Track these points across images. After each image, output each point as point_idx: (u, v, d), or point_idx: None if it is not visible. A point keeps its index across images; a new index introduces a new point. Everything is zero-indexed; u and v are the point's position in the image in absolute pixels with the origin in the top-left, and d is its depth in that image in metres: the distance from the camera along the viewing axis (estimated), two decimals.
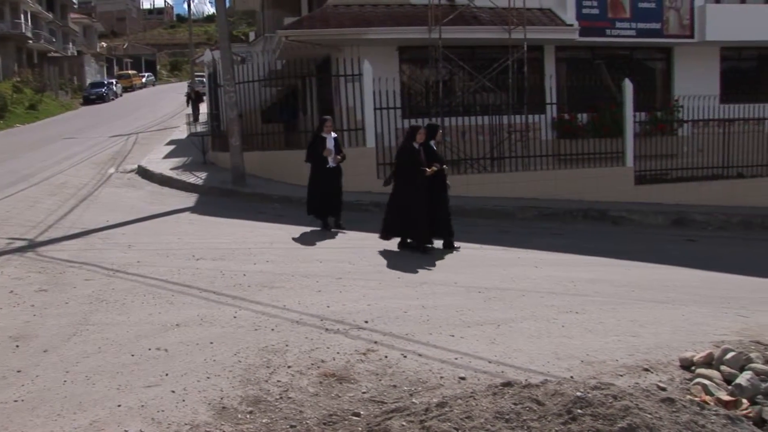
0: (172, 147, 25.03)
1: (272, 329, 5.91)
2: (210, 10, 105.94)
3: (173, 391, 4.60)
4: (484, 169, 16.39)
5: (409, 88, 18.06)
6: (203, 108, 32.71)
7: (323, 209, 11.77)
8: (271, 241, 10.56)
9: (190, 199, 15.13)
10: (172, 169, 18.84)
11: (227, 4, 21.46)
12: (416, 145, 10.02)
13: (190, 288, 7.36)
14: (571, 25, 18.14)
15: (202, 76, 36.56)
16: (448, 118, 16.46)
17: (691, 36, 19.66)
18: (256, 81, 18.02)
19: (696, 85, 19.00)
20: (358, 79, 15.70)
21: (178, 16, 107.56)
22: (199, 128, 28.00)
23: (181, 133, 29.64)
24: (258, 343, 5.54)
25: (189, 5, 72.34)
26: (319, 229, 11.70)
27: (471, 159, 16.31)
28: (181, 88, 52.90)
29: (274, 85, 22.98)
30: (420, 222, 9.87)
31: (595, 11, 18.59)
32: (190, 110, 32.91)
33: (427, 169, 9.92)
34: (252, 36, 35.42)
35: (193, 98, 32.64)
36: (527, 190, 15.49)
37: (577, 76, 18.62)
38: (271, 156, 16.97)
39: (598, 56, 19.68)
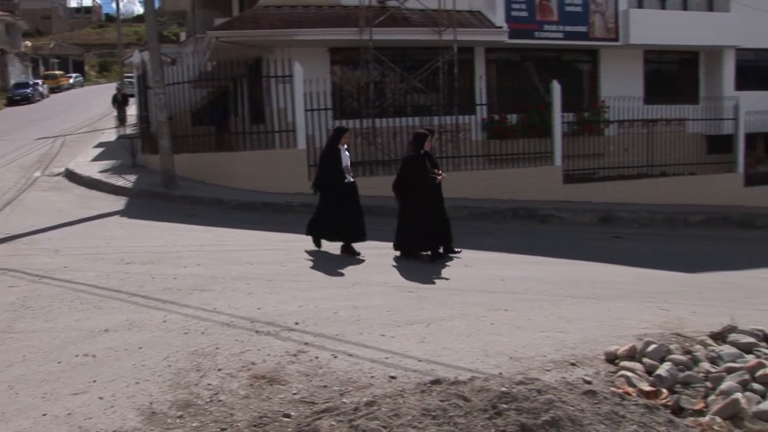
0: (100, 149, 24.55)
1: (202, 332, 5.87)
2: (140, 9, 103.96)
3: (101, 398, 4.54)
4: None
5: (341, 89, 18.08)
6: (131, 110, 32.14)
7: (346, 233, 10.06)
8: (202, 243, 10.46)
9: (119, 202, 14.88)
10: (100, 172, 18.49)
11: (156, 4, 21.13)
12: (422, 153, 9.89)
13: (118, 293, 7.26)
14: (501, 28, 18.39)
15: (132, 77, 35.89)
16: (379, 120, 16.55)
17: (616, 39, 20.16)
18: (186, 82, 17.83)
19: (621, 87, 19.51)
20: (289, 81, 15.66)
21: (107, 15, 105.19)
22: (129, 130, 27.53)
23: (111, 135, 29.11)
24: (188, 347, 5.50)
25: (117, 4, 70.98)
26: (252, 231, 11.61)
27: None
28: (110, 89, 51.89)
29: (205, 87, 22.73)
30: (434, 230, 9.85)
31: (524, 14, 18.89)
32: (116, 113, 32.20)
33: (438, 175, 9.92)
34: (183, 37, 34.93)
35: (120, 100, 31.90)
36: (458, 191, 15.57)
37: (506, 77, 18.90)
38: (202, 158, 16.80)
39: (527, 58, 20.00)
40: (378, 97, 17.46)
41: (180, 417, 4.28)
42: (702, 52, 22.35)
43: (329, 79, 17.28)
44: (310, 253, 9.89)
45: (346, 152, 10.20)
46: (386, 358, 5.38)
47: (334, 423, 3.72)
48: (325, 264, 9.13)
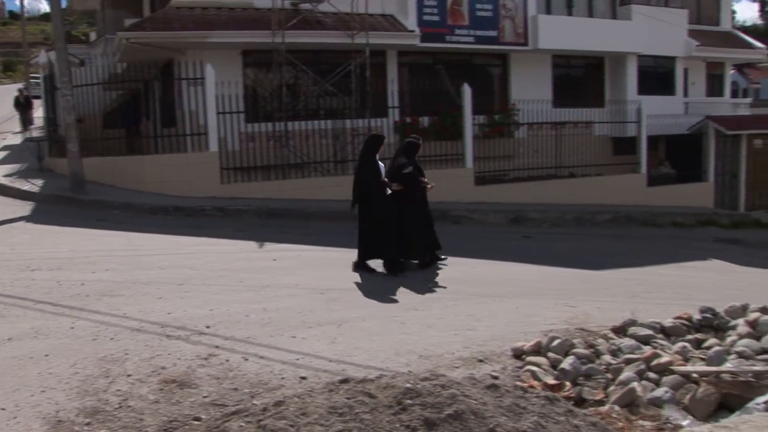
0: (5, 153, 23.75)
1: (111, 338, 5.81)
2: (46, 7, 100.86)
3: (3, 409, 4.45)
4: (328, 172, 16.55)
5: (254, 92, 17.98)
6: (37, 112, 31.11)
7: (389, 250, 9.52)
8: (112, 249, 10.27)
9: (25, 207, 14.43)
10: (5, 176, 17.89)
11: (64, 3, 20.65)
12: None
13: (23, 300, 7.09)
14: (413, 31, 18.58)
15: (38, 78, 34.74)
16: (292, 123, 16.54)
17: (526, 44, 20.59)
18: (96, 84, 17.44)
19: (531, 90, 19.98)
20: (201, 83, 15.49)
21: (11, 12, 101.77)
22: (35, 133, 26.69)
23: (15, 138, 28.18)
24: (96, 353, 5.44)
25: (22, 2, 68.83)
26: (164, 235, 11.47)
27: (315, 162, 16.44)
28: (15, 90, 50.19)
29: (116, 89, 22.26)
30: (423, 238, 9.72)
31: (436, 18, 19.12)
32: (19, 115, 30.99)
33: (428, 184, 9.82)
34: (93, 37, 34.03)
35: (23, 103, 30.68)
36: None
37: (418, 80, 19.08)
38: (113, 162, 16.44)
39: (439, 61, 20.23)
40: (291, 99, 17.43)
41: (88, 424, 4.25)
42: (607, 57, 23.07)
43: (242, 82, 17.15)
44: (221, 256, 9.85)
45: (381, 162, 9.79)
46: (297, 359, 5.44)
47: (243, 424, 3.75)
48: (236, 267, 9.11)
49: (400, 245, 9.49)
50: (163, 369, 5.11)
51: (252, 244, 10.97)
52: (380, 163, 9.71)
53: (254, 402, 4.50)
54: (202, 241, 11.06)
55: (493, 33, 20.02)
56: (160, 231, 11.67)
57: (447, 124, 18.04)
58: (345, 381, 4.08)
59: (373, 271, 9.30)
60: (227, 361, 5.32)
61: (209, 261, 9.52)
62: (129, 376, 4.99)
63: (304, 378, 5.04)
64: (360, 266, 9.34)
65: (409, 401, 3.51)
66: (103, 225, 12.43)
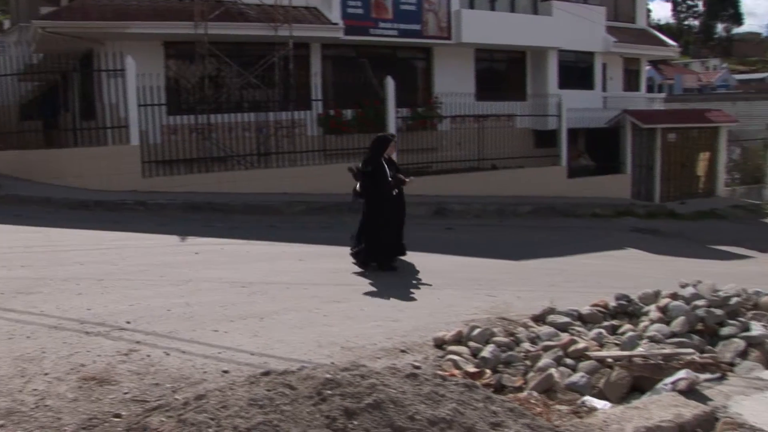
0: None
1: (28, 336, 5.67)
2: None
3: None
4: (252, 165, 16.44)
5: (176, 84, 17.72)
6: None
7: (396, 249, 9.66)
8: (29, 244, 10.00)
9: None
10: None
11: None
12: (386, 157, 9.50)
13: None
14: (336, 24, 18.59)
15: None
16: (215, 115, 16.38)
17: (449, 38, 20.81)
18: (10, 75, 16.95)
19: (454, 84, 20.21)
20: (121, 75, 15.19)
21: None
22: None
23: None
24: (12, 353, 5.29)
25: None
26: (83, 230, 11.23)
27: (238, 156, 16.31)
28: None
29: (32, 80, 21.66)
30: (398, 237, 9.59)
31: (360, 11, 19.16)
32: None
33: (406, 179, 9.62)
34: (7, 24, 32.93)
35: None
36: (295, 186, 15.72)
37: (342, 73, 19.11)
38: (30, 156, 15.98)
39: (362, 54, 20.26)
40: (214, 92, 17.24)
41: (2, 426, 4.15)
42: (528, 52, 23.49)
43: (163, 74, 16.92)
44: (142, 251, 9.70)
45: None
46: (219, 353, 5.42)
47: (164, 419, 3.73)
48: (157, 261, 9.00)
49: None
50: (82, 366, 5.02)
51: (174, 239, 10.84)
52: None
53: (176, 397, 4.47)
54: (124, 236, 10.87)
55: (416, 27, 20.17)
56: (80, 226, 11.42)
57: (370, 116, 18.10)
58: (266, 373, 4.09)
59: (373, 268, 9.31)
60: (148, 356, 5.26)
61: (130, 256, 9.37)
62: (46, 374, 4.88)
63: (226, 372, 5.02)
64: (366, 263, 9.33)
65: (329, 392, 3.55)
66: (19, 220, 12.08)
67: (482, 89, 21.65)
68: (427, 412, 3.59)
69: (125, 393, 4.60)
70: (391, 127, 17.44)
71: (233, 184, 15.23)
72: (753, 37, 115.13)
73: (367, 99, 18.42)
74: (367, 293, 7.78)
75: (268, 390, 3.64)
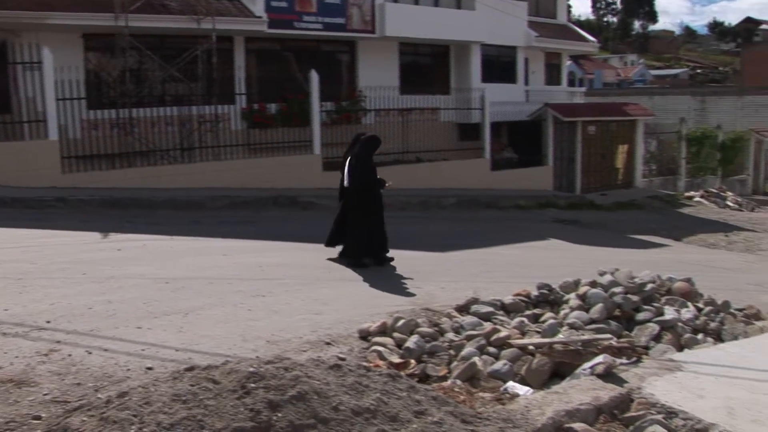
0: None
1: None
2: None
3: None
4: (175, 160, 16.19)
5: (96, 77, 17.30)
6: None
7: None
8: None
9: None
10: None
11: None
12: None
13: None
14: (260, 17, 18.40)
15: None
16: (137, 109, 16.07)
17: (373, 31, 20.83)
18: None
19: (378, 77, 20.22)
20: (38, 68, 14.74)
21: None
22: None
23: None
24: None
25: None
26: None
27: (161, 150, 16.05)
28: None
29: None
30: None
31: (284, 4, 19.00)
32: None
33: (387, 183, 9.88)
34: None
35: None
36: (219, 180, 15.55)
37: (266, 67, 19.00)
38: None
39: (287, 48, 20.18)
40: (136, 86, 16.90)
41: None
42: (452, 46, 23.67)
43: (83, 67, 16.49)
44: (61, 248, 9.48)
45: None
46: (143, 350, 5.36)
47: (85, 419, 3.68)
48: (77, 258, 8.80)
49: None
50: None
51: (96, 235, 10.61)
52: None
53: (98, 396, 4.40)
54: (43, 233, 10.59)
55: (341, 20, 20.13)
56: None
57: (295, 110, 18.03)
58: (190, 369, 4.07)
59: (365, 265, 9.46)
60: (69, 355, 5.16)
61: (50, 254, 9.13)
62: None
63: (150, 368, 4.97)
64: (358, 261, 9.48)
65: (252, 385, 3.55)
66: None
67: (406, 83, 21.77)
68: (351, 402, 3.63)
69: (45, 394, 4.51)
70: (316, 121, 17.40)
71: (156, 179, 14.99)
72: (667, 35, 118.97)
73: (291, 93, 18.35)
74: (291, 287, 7.78)
75: (192, 385, 3.63)
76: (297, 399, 3.49)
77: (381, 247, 9.76)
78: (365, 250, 9.61)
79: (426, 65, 23.91)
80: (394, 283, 8.40)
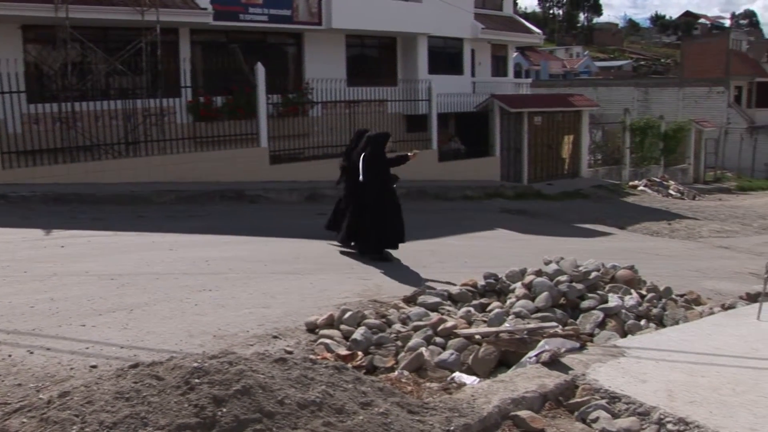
0: None
1: None
2: None
3: None
4: (120, 154, 15.94)
5: (37, 70, 16.94)
6: None
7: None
8: None
9: None
10: None
11: None
12: None
13: None
14: (205, 9, 18.21)
15: None
16: (80, 103, 15.78)
17: (320, 23, 20.78)
18: None
19: (325, 70, 20.20)
20: None
21: None
22: None
23: None
24: None
25: None
26: None
27: (105, 145, 15.77)
28: None
29: None
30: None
31: None
32: None
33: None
34: None
35: None
36: (165, 174, 15.37)
37: (212, 59, 18.80)
38: None
39: (233, 40, 20.02)
40: (78, 79, 16.58)
41: None
42: (399, 38, 23.76)
43: (22, 59, 16.14)
44: (9, 248, 9.29)
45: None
46: (87, 348, 5.28)
47: (25, 420, 3.61)
48: (21, 257, 8.63)
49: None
50: None
51: (38, 232, 10.40)
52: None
53: (40, 396, 4.31)
54: None
55: (287, 12, 20.05)
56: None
57: (241, 103, 17.90)
58: (135, 366, 4.02)
59: (388, 259, 9.78)
60: (10, 356, 5.06)
61: None
62: None
63: (94, 367, 4.90)
64: (381, 254, 9.82)
65: (197, 380, 3.53)
66: None
67: (353, 75, 21.78)
68: (297, 395, 3.62)
69: None
70: (262, 114, 17.28)
71: (101, 174, 14.73)
72: (611, 27, 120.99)
73: (237, 85, 18.19)
74: (238, 281, 7.73)
75: (135, 382, 3.59)
76: (242, 393, 3.47)
77: (399, 238, 10.04)
78: (385, 243, 9.91)
79: (373, 57, 23.93)
80: (342, 276, 8.40)
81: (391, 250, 9.97)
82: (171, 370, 3.68)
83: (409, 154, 10.43)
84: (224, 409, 3.39)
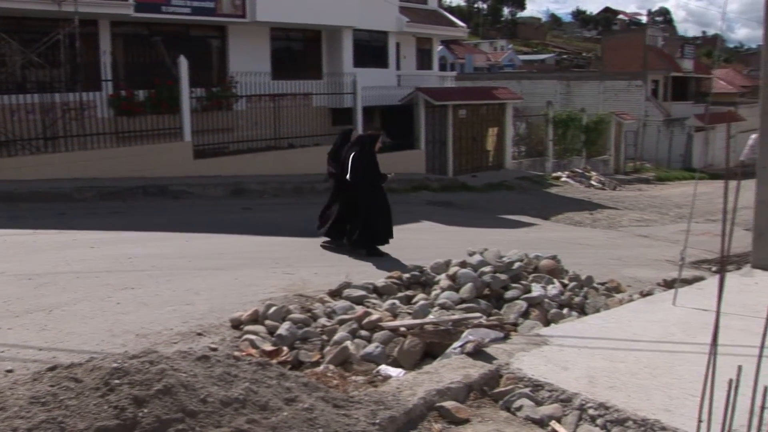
0: None
1: None
2: None
3: None
4: (38, 150, 15.50)
5: None
6: None
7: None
8: None
9: None
10: None
11: None
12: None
13: None
14: (126, 0, 17.79)
15: None
16: None
17: (243, 16, 20.51)
18: None
19: (250, 63, 20.00)
20: None
21: None
22: None
23: None
24: None
25: None
26: None
27: (22, 140, 15.31)
28: None
29: None
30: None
31: None
32: None
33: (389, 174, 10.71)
34: None
35: None
36: (86, 170, 15.00)
37: (134, 52, 18.43)
38: None
39: (155, 33, 19.60)
40: None
41: None
42: (324, 31, 23.61)
43: None
44: None
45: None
46: (2, 352, 5.13)
47: None
48: None
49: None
50: None
51: None
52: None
53: None
54: None
55: (210, 4, 19.73)
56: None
57: (164, 97, 17.57)
58: (53, 368, 3.91)
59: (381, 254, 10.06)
60: None
61: None
62: None
63: (10, 371, 4.76)
64: (373, 249, 10.11)
65: (116, 381, 3.46)
66: None
67: (278, 68, 21.61)
68: (220, 393, 3.59)
69: None
70: (186, 108, 17.04)
71: (18, 170, 14.29)
72: (534, 22, 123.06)
73: (160, 79, 17.85)
74: (162, 278, 7.61)
75: (52, 386, 3.49)
76: (163, 393, 3.42)
77: (389, 234, 10.34)
78: (379, 239, 10.21)
79: (298, 50, 23.77)
80: (266, 270, 8.35)
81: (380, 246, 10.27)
82: (90, 371, 3.60)
83: (389, 175, 10.86)
84: (145, 410, 3.33)
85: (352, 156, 10.22)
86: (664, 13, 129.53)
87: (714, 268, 9.98)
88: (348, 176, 10.19)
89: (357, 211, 10.19)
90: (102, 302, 6.51)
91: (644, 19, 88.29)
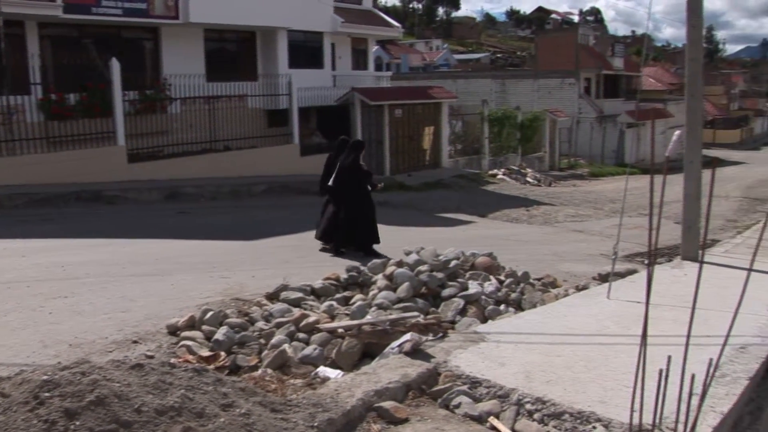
0: None
1: None
2: None
3: None
4: None
5: None
6: None
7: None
8: None
9: None
10: None
11: None
12: None
13: None
14: (54, 1, 17.40)
15: None
16: None
17: (177, 17, 20.26)
18: None
19: (184, 65, 19.75)
20: None
21: None
22: None
23: None
24: None
25: None
26: None
27: None
28: None
29: None
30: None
31: None
32: None
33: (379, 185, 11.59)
34: None
35: None
36: (16, 177, 14.64)
37: (64, 54, 18.06)
38: None
39: (85, 35, 19.24)
40: None
41: None
42: (258, 32, 23.47)
43: None
44: None
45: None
46: None
47: None
48: None
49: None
50: None
51: None
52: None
53: None
54: None
55: (142, 5, 19.44)
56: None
57: (96, 100, 17.26)
58: None
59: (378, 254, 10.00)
60: None
61: None
62: None
63: None
64: (370, 250, 10.50)
65: (47, 394, 3.38)
66: None
67: (213, 70, 21.42)
68: (155, 402, 3.54)
69: None
70: (119, 111, 16.77)
71: None
72: (469, 21, 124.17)
73: (91, 82, 17.53)
74: (96, 286, 7.49)
75: None
76: (96, 404, 3.36)
77: (375, 237, 10.81)
78: (371, 239, 10.70)
79: (233, 52, 23.60)
80: (203, 275, 8.28)
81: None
82: (19, 385, 3.52)
83: (378, 185, 11.55)
84: (77, 422, 3.27)
85: (340, 164, 10.78)
86: (595, 12, 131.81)
87: (646, 261, 10.22)
88: (330, 182, 10.80)
89: (345, 215, 10.56)
90: (33, 312, 6.37)
91: (576, 18, 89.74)
